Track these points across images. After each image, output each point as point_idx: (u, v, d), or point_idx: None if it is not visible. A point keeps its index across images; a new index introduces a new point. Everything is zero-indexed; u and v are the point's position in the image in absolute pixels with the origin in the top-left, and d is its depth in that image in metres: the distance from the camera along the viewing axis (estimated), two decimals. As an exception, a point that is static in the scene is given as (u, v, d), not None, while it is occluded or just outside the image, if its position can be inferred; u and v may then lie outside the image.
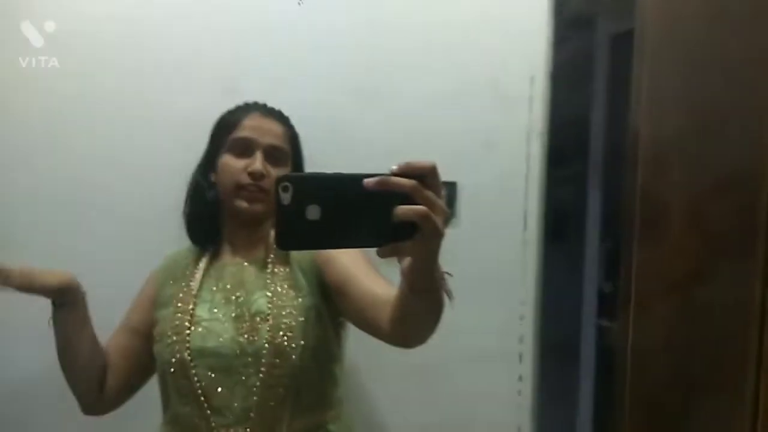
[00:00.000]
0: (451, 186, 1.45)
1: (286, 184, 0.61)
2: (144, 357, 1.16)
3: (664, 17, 0.87)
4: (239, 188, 1.11)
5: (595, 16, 2.21)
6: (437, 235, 0.63)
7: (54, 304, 1.06)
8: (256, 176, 1.10)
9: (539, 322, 1.50)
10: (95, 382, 1.13)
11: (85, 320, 1.10)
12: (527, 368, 1.47)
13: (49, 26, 1.47)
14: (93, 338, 1.12)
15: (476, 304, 1.44)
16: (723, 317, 0.78)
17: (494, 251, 1.47)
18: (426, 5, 1.48)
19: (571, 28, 1.73)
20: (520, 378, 1.47)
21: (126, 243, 1.44)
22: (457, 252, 1.40)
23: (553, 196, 1.55)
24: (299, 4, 1.45)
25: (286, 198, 0.61)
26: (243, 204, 1.11)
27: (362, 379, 1.49)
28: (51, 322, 1.07)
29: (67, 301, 1.06)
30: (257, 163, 1.11)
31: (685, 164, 0.85)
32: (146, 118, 1.48)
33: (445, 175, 1.39)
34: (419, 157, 0.64)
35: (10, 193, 1.48)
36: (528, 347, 1.47)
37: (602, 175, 2.36)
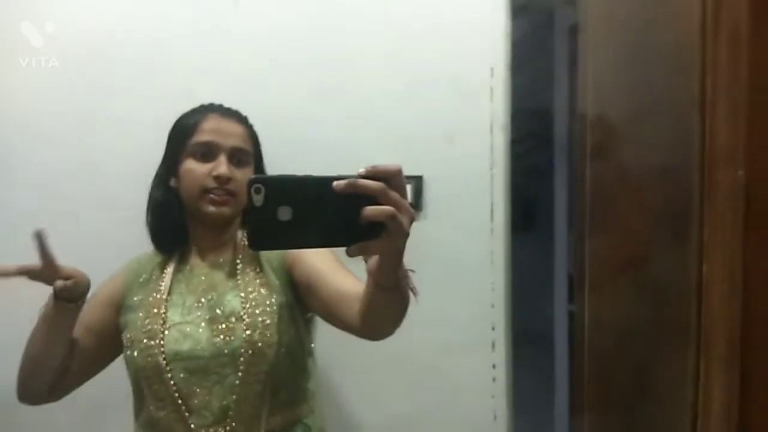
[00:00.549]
0: (417, 180, 1.46)
1: (259, 186, 0.62)
2: (93, 356, 1.15)
3: (605, 10, 0.90)
4: (205, 193, 1.10)
5: (552, 7, 2.24)
6: (403, 234, 0.66)
7: (64, 299, 1.03)
8: (221, 180, 1.09)
9: (510, 310, 1.52)
10: (55, 379, 1.11)
11: (76, 319, 1.08)
12: (500, 356, 1.49)
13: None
14: (72, 338, 1.11)
15: (447, 294, 1.47)
16: (665, 297, 0.81)
17: (462, 242, 1.49)
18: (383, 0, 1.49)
19: (529, 19, 1.75)
20: (494, 366, 1.49)
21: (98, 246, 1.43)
22: (425, 244, 1.44)
23: (520, 186, 1.57)
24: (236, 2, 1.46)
25: (258, 199, 0.62)
26: (210, 208, 1.10)
27: (338, 371, 1.50)
28: (45, 314, 1.04)
29: (79, 298, 1.05)
30: (222, 167, 1.10)
31: (628, 149, 0.88)
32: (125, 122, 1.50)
33: (410, 169, 1.41)
34: (383, 153, 0.67)
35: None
36: (500, 335, 1.50)
37: (568, 163, 2.39)
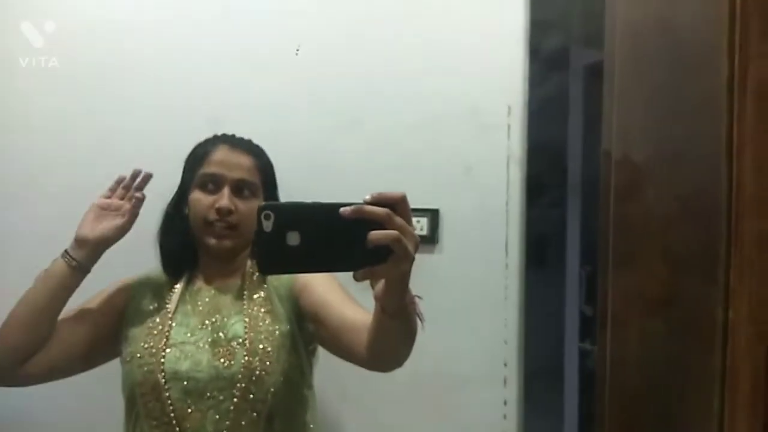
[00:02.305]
0: (434, 213, 1.48)
1: (268, 212, 0.65)
2: (80, 348, 1.13)
3: (629, 52, 0.92)
4: (207, 225, 1.13)
5: (569, 46, 2.27)
6: (408, 258, 0.68)
7: (74, 265, 1.06)
8: (222, 213, 1.12)
9: (523, 346, 1.52)
10: (27, 353, 1.08)
11: (73, 292, 1.08)
12: (512, 392, 1.49)
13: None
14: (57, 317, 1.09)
15: (460, 328, 1.47)
16: (691, 337, 0.82)
17: (477, 276, 1.50)
18: (405, 35, 1.52)
19: (546, 59, 1.79)
20: (505, 402, 1.48)
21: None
22: (440, 277, 1.45)
23: (533, 222, 1.58)
24: (296, 52, 1.49)
25: (267, 225, 0.65)
26: (212, 241, 1.13)
27: (348, 402, 1.49)
28: (46, 278, 1.06)
29: (89, 268, 1.07)
30: (224, 199, 1.12)
31: (653, 191, 0.89)
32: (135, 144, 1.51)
33: (427, 202, 1.42)
34: (401, 185, 0.69)
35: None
36: (512, 371, 1.49)
37: (581, 200, 2.40)
